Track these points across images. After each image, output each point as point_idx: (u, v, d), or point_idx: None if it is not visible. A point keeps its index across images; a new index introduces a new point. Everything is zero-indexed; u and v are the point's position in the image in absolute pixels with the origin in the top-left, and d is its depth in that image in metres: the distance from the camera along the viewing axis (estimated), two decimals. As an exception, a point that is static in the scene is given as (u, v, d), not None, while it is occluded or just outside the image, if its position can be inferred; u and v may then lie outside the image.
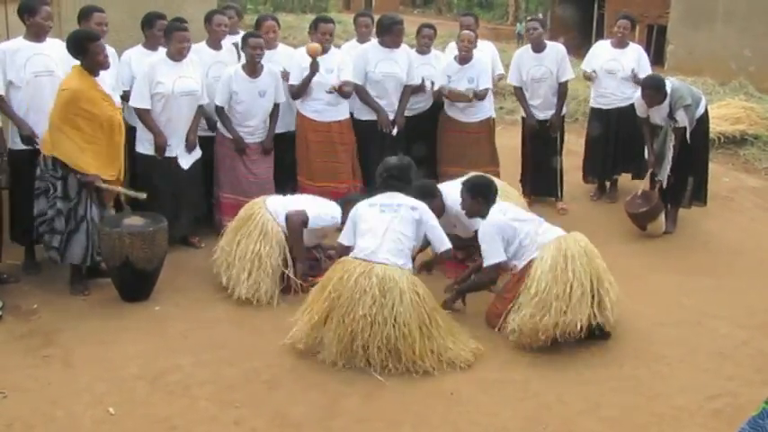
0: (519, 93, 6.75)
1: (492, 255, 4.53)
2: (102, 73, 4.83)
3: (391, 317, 4.05)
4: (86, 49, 4.71)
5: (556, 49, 6.61)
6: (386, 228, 4.37)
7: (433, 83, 6.34)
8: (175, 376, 4.07)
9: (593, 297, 4.30)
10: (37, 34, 4.98)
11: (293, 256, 4.96)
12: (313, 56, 5.76)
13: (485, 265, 4.58)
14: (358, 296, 4.08)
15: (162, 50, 5.63)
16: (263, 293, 4.84)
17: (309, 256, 5.18)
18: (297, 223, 4.92)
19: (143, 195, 5.00)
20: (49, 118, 4.74)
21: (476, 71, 6.26)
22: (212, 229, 5.74)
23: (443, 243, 4.56)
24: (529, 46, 6.67)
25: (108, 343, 4.40)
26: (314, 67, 5.80)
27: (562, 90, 6.64)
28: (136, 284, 4.89)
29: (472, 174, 5.03)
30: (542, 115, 6.68)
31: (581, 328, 4.25)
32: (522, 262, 4.52)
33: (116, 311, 4.78)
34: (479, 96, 6.23)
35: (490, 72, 6.42)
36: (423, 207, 4.56)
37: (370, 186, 6.06)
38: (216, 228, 5.62)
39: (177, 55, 5.39)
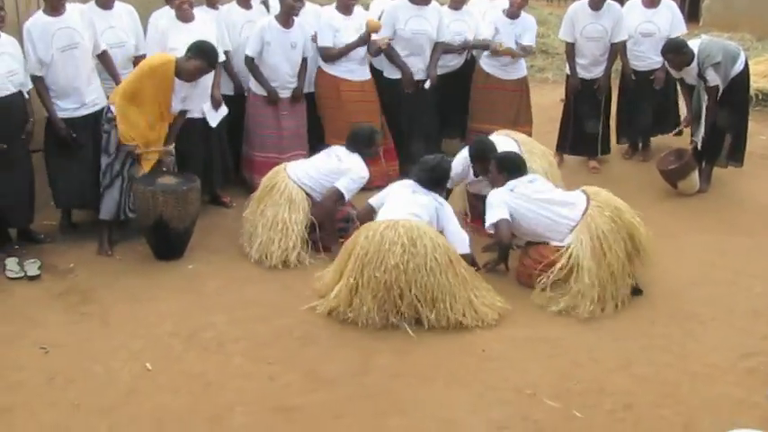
0: (570, 49, 6.56)
1: (492, 215, 4.56)
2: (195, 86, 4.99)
3: (425, 264, 4.06)
4: (195, 59, 4.83)
5: (613, 7, 6.42)
6: (412, 201, 4.46)
7: (466, 38, 6.28)
8: (209, 333, 4.14)
9: (629, 257, 4.40)
10: (54, 6, 4.88)
11: (325, 238, 4.98)
12: (372, 32, 5.80)
13: (486, 225, 4.63)
14: (387, 247, 4.08)
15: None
16: (293, 259, 4.87)
17: (340, 214, 5.18)
18: (330, 206, 4.95)
19: (170, 149, 5.05)
20: (125, 79, 4.96)
21: (522, 28, 6.27)
22: (243, 189, 5.76)
23: (461, 247, 4.49)
24: (585, 2, 6.47)
25: (143, 301, 4.48)
26: (364, 39, 5.84)
27: (615, 50, 6.47)
28: (169, 243, 4.96)
29: (504, 148, 5.01)
30: (589, 74, 6.53)
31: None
32: (555, 240, 4.51)
33: (150, 270, 4.86)
34: (527, 52, 6.32)
35: (535, 29, 6.40)
36: (447, 206, 4.65)
37: (397, 146, 6.08)
38: (249, 187, 5.64)
39: (178, 12, 5.38)
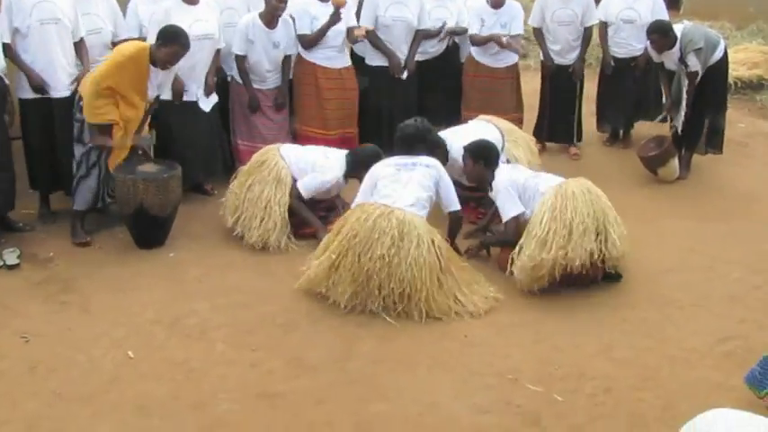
0: (538, 34, 6.61)
1: (509, 209, 4.53)
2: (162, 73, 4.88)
3: (407, 260, 4.07)
4: (168, 45, 4.73)
5: None
6: (406, 181, 4.43)
7: (445, 23, 6.25)
8: (192, 320, 4.13)
9: (597, 234, 4.30)
10: None
11: (296, 224, 4.97)
12: (338, 6, 5.70)
13: (504, 220, 4.58)
14: (377, 236, 4.09)
15: None
16: (273, 240, 4.87)
17: (326, 204, 5.18)
18: (292, 199, 4.93)
19: (148, 137, 4.98)
20: (97, 67, 4.81)
21: (509, 16, 6.23)
22: (225, 177, 5.73)
23: (453, 203, 4.58)
24: None
25: (125, 289, 4.46)
26: (335, 18, 5.73)
27: (587, 34, 6.52)
28: (150, 231, 4.93)
29: (475, 137, 4.96)
30: (563, 60, 6.57)
31: (585, 264, 4.24)
32: (529, 212, 4.51)
33: (131, 258, 4.83)
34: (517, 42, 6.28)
35: (522, 17, 6.35)
36: (437, 165, 4.60)
37: (377, 134, 6.05)
38: (230, 175, 5.61)
39: None
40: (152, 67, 4.81)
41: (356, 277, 4.11)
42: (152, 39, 5.29)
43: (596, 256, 4.28)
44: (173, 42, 4.76)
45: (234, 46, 5.66)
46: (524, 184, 4.56)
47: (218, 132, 5.74)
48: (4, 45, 4.89)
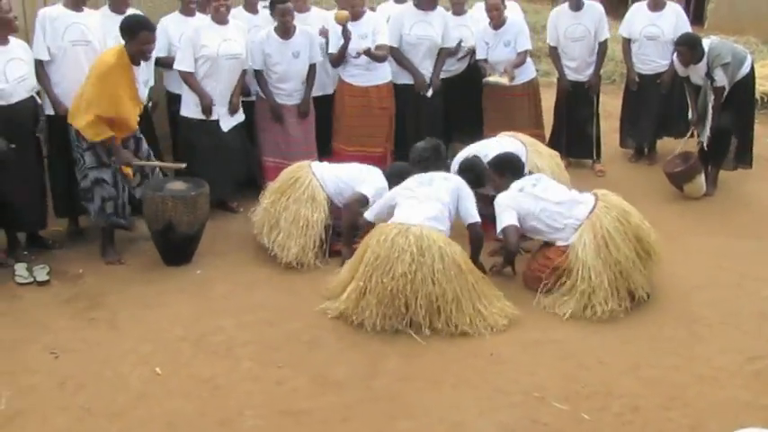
0: (554, 53, 6.65)
1: (501, 221, 4.56)
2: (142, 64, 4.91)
3: (431, 275, 4.08)
4: (136, 36, 4.72)
5: (594, 7, 6.49)
6: (423, 198, 4.45)
7: (461, 41, 6.27)
8: (218, 337, 4.17)
9: (640, 258, 4.39)
10: (76, 2, 5.00)
11: (343, 242, 4.94)
12: (341, 23, 5.74)
13: (497, 231, 4.62)
14: (396, 255, 4.10)
15: (200, 16, 5.72)
16: (310, 258, 4.89)
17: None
18: (356, 210, 4.86)
19: (182, 165, 5.05)
20: (81, 88, 4.78)
21: (512, 34, 6.19)
22: (251, 194, 5.79)
23: (472, 216, 4.56)
24: (566, 4, 6.54)
25: (152, 306, 4.50)
26: (347, 35, 5.78)
27: (601, 50, 6.54)
28: (178, 248, 4.98)
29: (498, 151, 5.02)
30: (580, 76, 6.58)
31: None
32: (561, 240, 4.51)
33: (158, 276, 4.89)
34: (518, 64, 6.16)
35: (527, 32, 6.32)
36: (456, 178, 4.64)
37: (404, 150, 6.08)
38: (256, 191, 5.66)
39: (214, 14, 5.44)
40: (134, 66, 4.81)
41: (381, 298, 4.11)
42: (181, 58, 5.41)
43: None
44: (138, 31, 4.73)
45: (251, 62, 5.74)
46: (528, 208, 4.55)
47: (244, 150, 5.80)
48: (38, 62, 4.94)
